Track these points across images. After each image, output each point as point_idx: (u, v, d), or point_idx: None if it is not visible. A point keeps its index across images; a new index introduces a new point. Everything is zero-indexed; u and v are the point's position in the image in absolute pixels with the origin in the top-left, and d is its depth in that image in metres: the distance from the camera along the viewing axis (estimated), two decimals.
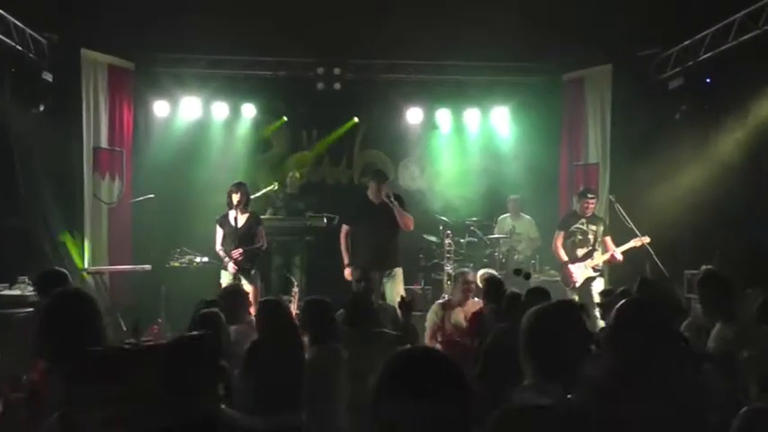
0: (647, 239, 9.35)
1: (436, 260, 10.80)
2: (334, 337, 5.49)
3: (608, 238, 9.73)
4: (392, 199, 8.78)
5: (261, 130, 12.32)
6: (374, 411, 1.93)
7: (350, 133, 12.58)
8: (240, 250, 8.89)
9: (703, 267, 8.80)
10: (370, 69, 11.90)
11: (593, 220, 9.82)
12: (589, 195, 9.80)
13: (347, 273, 8.70)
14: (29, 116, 9.41)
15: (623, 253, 9.53)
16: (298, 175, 11.45)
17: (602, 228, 9.79)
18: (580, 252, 9.74)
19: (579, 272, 9.69)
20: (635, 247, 9.45)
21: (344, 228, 8.79)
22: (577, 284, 9.68)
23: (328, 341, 5.41)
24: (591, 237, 9.73)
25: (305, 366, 5.15)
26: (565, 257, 9.78)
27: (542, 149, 11.93)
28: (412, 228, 9.20)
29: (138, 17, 9.86)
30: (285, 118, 12.24)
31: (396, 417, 1.87)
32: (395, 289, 8.75)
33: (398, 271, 8.83)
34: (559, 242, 9.88)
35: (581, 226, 9.77)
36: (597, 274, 9.72)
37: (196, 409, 3.12)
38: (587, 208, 9.74)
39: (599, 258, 9.68)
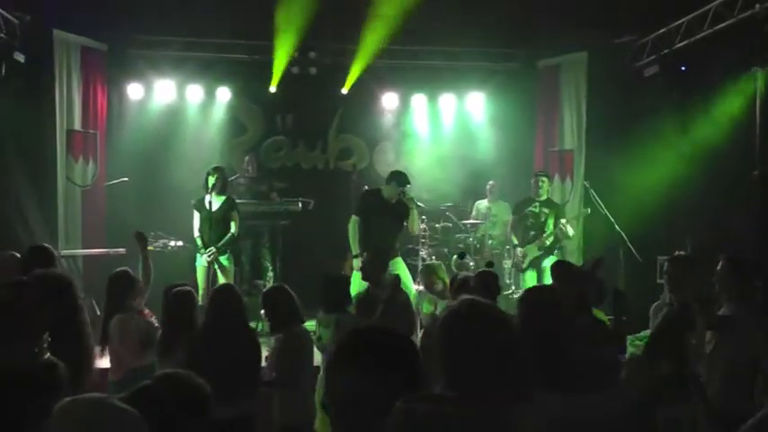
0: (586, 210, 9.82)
1: (411, 245, 10.81)
2: (299, 321, 5.61)
3: (563, 221, 9.78)
4: (416, 203, 8.93)
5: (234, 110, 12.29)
6: (326, 384, 2.00)
7: (324, 116, 12.58)
8: (213, 249, 8.87)
9: (676, 253, 8.93)
10: (345, 54, 11.85)
11: (547, 203, 9.91)
12: (537, 173, 10.07)
13: (356, 264, 8.57)
14: (0, 97, 9.28)
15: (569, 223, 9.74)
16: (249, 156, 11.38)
17: (555, 211, 9.87)
18: (531, 234, 9.84)
19: (528, 253, 9.82)
20: (574, 219, 9.82)
21: (355, 218, 8.76)
22: (523, 266, 9.83)
23: (294, 325, 5.52)
24: (543, 219, 9.81)
25: (259, 352, 5.24)
26: (515, 241, 9.97)
27: (518, 135, 11.98)
28: (417, 233, 9.65)
29: None
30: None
31: (341, 388, 1.94)
32: (405, 275, 8.81)
33: (399, 259, 8.90)
34: (511, 226, 10.13)
35: (534, 209, 9.87)
36: (541, 253, 9.77)
37: (11, 359, 3.08)
38: (537, 187, 9.86)
39: (546, 239, 9.74)
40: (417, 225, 9.24)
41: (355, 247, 8.65)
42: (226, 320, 5.17)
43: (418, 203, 9.02)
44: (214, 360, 4.67)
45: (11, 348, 3.17)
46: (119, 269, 6.15)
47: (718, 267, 5.38)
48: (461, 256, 9.31)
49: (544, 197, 9.90)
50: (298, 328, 5.56)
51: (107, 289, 5.83)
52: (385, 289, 6.72)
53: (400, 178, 8.77)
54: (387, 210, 8.74)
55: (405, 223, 8.89)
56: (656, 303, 5.96)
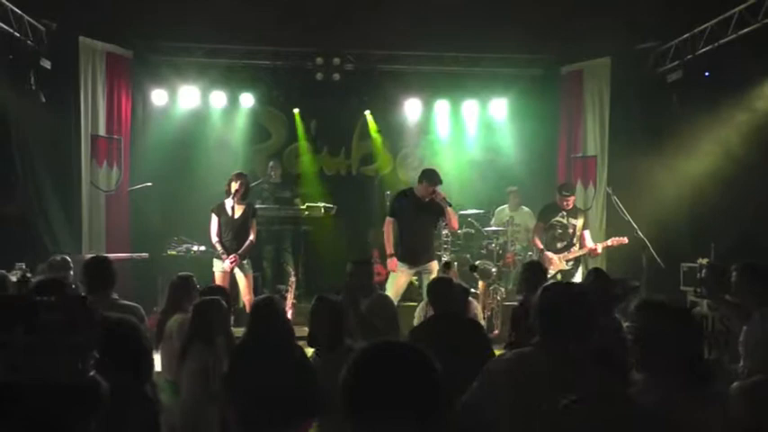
0: (624, 240, 9.46)
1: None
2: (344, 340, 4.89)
3: (586, 232, 9.73)
4: (448, 202, 8.73)
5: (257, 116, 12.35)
6: (352, 410, 1.94)
7: (347, 122, 12.60)
8: (233, 257, 8.88)
9: (700, 261, 8.86)
10: (369, 60, 11.88)
11: (574, 212, 9.79)
12: (564, 192, 9.77)
13: (391, 264, 8.60)
14: (26, 103, 9.39)
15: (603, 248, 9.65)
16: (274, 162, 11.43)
17: (581, 221, 9.77)
18: (559, 245, 9.73)
19: (557, 262, 9.69)
20: (612, 245, 9.54)
21: (389, 219, 8.76)
22: (549, 274, 9.64)
23: (342, 344, 4.80)
24: (570, 230, 9.70)
25: (306, 374, 4.55)
26: (541, 245, 9.77)
27: (541, 141, 11.95)
28: (458, 227, 9.52)
29: (136, 5, 9.86)
30: (297, 110, 12.23)
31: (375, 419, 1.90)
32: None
33: (434, 264, 8.82)
34: (537, 233, 9.91)
35: (561, 219, 9.74)
36: (570, 267, 9.69)
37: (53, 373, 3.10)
38: (566, 204, 9.72)
39: (576, 252, 9.67)
40: (456, 221, 9.10)
41: (389, 247, 8.63)
42: (267, 337, 4.68)
43: (449, 202, 8.78)
44: (253, 381, 4.40)
45: (54, 362, 3.19)
46: (183, 273, 6.28)
47: (734, 277, 5.39)
48: (472, 269, 9.31)
49: (570, 207, 9.83)
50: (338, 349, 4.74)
51: (170, 289, 6.09)
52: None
53: (431, 176, 8.70)
54: (420, 209, 8.66)
55: (441, 221, 8.91)
56: (692, 311, 6.00)
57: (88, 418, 2.62)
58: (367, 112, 12.37)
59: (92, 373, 3.27)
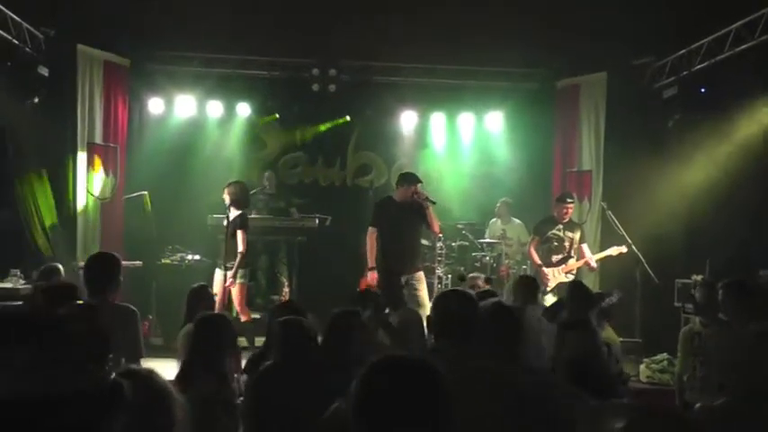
0: (624, 249, 9.37)
1: (427, 263, 10.77)
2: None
3: (584, 246, 9.62)
4: (431, 200, 8.51)
5: (254, 127, 12.32)
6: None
7: (343, 133, 12.58)
8: (231, 281, 8.55)
9: (694, 277, 8.87)
10: (365, 71, 11.90)
11: (571, 226, 9.64)
12: (568, 200, 9.64)
13: (371, 276, 8.36)
14: (24, 110, 9.37)
15: (599, 261, 9.54)
16: (269, 173, 11.41)
17: (578, 234, 9.61)
18: (555, 258, 9.56)
19: (553, 276, 9.54)
20: (610, 256, 9.48)
21: (371, 230, 8.50)
22: (548, 288, 9.52)
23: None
24: (567, 243, 9.55)
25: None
26: (538, 261, 9.61)
27: (536, 155, 11.97)
28: (439, 231, 9.32)
29: (134, 14, 9.87)
30: (277, 115, 12.22)
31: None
32: (422, 291, 8.49)
33: (421, 274, 8.58)
34: (533, 246, 9.72)
35: (557, 232, 9.59)
36: (570, 279, 9.60)
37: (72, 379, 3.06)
38: (566, 213, 9.56)
39: (573, 265, 9.57)
40: (437, 225, 8.78)
41: (371, 260, 8.40)
42: (296, 359, 4.26)
43: (431, 200, 8.53)
44: (283, 407, 3.95)
45: (77, 371, 3.17)
46: (197, 284, 6.22)
47: (720, 295, 5.42)
48: (461, 278, 9.28)
49: (567, 220, 9.72)
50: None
51: (187, 301, 6.08)
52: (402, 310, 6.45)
53: (409, 178, 8.58)
54: (402, 214, 8.45)
55: (424, 225, 8.58)
56: (685, 329, 6.06)
57: (115, 419, 2.61)
58: (347, 117, 12.36)
59: (112, 376, 3.25)
